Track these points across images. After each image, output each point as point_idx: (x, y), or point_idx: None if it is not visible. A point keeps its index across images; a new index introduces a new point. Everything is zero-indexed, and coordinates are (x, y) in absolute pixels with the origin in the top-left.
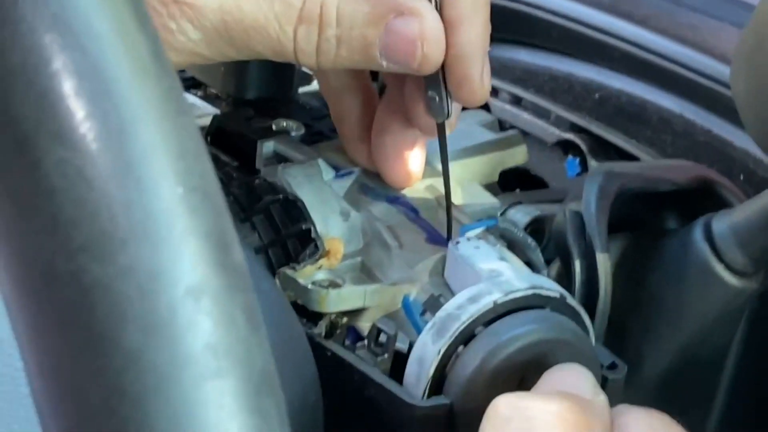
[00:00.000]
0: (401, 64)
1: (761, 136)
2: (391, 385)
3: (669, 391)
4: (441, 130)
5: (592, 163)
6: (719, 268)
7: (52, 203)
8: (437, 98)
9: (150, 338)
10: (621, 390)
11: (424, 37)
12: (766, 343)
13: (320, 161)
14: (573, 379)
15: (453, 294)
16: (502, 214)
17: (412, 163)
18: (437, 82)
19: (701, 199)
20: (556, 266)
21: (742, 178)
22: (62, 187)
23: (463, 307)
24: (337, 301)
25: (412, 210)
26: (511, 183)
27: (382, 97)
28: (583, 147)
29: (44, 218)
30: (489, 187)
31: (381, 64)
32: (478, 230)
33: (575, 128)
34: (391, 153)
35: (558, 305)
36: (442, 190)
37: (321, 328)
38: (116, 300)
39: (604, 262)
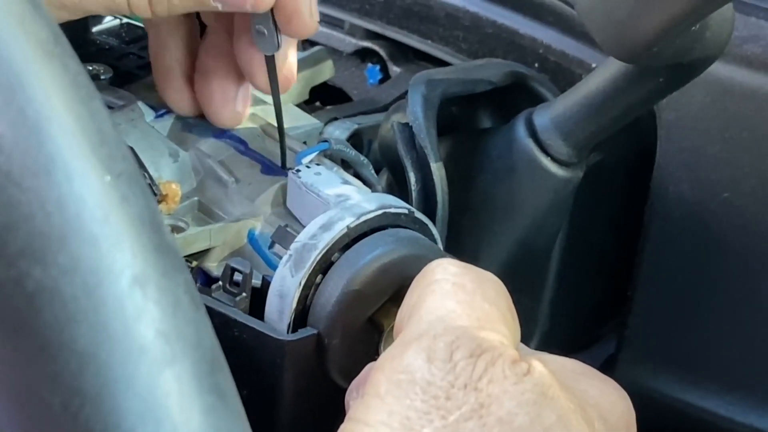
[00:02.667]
0: (235, 5)
1: (611, 44)
2: (255, 323)
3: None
4: (270, 63)
5: (394, 68)
6: (545, 161)
7: None
8: (266, 32)
9: (102, 335)
10: None
11: None
12: (586, 226)
13: (139, 104)
14: None
15: (299, 223)
16: (321, 133)
17: (239, 104)
18: (267, 18)
19: (514, 95)
20: (384, 177)
21: (537, 66)
22: None
23: (317, 236)
24: (183, 246)
25: (240, 142)
26: (312, 97)
27: (204, 39)
28: (383, 53)
29: None
30: (299, 107)
31: (215, 6)
32: (313, 155)
33: (371, 35)
34: (217, 95)
35: (407, 221)
36: (266, 118)
37: None
38: (63, 301)
39: (438, 172)
